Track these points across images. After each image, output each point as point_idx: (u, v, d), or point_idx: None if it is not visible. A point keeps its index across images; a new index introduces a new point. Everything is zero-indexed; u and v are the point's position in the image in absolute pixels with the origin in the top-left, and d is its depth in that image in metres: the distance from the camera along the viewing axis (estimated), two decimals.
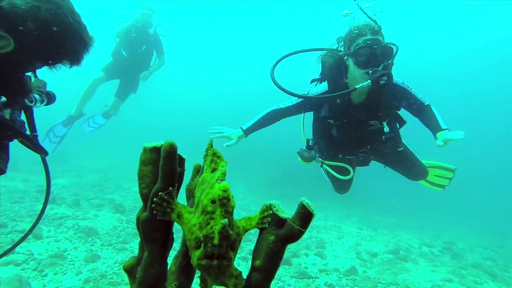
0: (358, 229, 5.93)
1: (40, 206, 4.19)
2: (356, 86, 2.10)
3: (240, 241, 0.54)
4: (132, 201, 5.45)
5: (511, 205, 12.23)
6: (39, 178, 5.88)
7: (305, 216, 0.58)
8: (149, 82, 5.58)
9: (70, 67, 1.11)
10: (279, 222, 0.59)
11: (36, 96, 1.22)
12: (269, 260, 0.58)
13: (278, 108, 2.49)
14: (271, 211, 0.60)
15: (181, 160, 0.67)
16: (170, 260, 0.67)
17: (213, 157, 0.66)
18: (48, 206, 4.63)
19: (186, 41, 22.09)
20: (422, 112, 2.36)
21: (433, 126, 2.26)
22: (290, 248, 4.11)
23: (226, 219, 0.48)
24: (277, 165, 9.89)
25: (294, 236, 0.59)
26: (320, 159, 2.63)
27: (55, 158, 8.27)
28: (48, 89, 1.33)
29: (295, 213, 0.59)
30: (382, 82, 2.05)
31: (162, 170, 0.57)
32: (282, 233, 0.58)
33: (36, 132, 1.26)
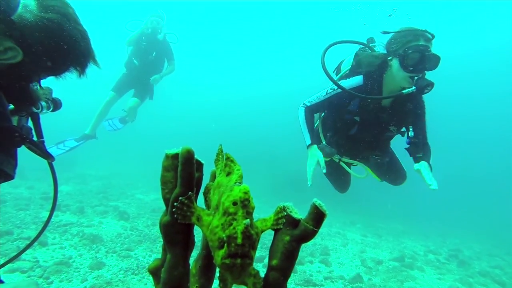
0: (363, 236, 5.88)
1: (45, 213, 4.22)
2: (404, 92, 2.12)
3: (258, 241, 0.56)
4: (136, 208, 5.46)
5: None
6: (44, 185, 5.91)
7: (317, 216, 0.61)
8: (156, 89, 5.66)
9: (78, 77, 1.13)
10: (293, 222, 0.62)
11: (43, 103, 1.25)
12: (286, 260, 0.61)
13: (309, 105, 2.48)
14: (285, 213, 0.62)
15: (200, 165, 0.69)
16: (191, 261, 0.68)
17: (227, 161, 0.68)
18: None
19: (196, 47, 22.39)
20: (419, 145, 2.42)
21: (421, 157, 2.34)
22: None
23: (247, 220, 0.50)
24: (280, 172, 9.89)
25: (308, 235, 0.61)
26: (338, 155, 2.61)
27: (60, 165, 8.30)
28: (54, 96, 1.35)
29: (308, 213, 0.62)
30: (426, 91, 2.09)
31: (181, 175, 0.60)
32: (296, 233, 0.61)
33: (43, 138, 1.26)
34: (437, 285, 3.78)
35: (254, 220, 0.61)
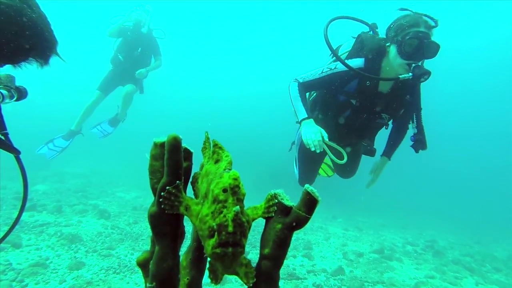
0: (344, 230, 6.03)
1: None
2: (400, 77, 2.07)
3: (249, 229, 0.55)
4: (117, 206, 5.33)
5: (486, 202, 12.80)
6: (16, 185, 5.64)
7: (310, 202, 0.60)
8: (144, 85, 5.56)
9: (39, 66, 1.05)
10: (285, 210, 0.61)
11: (3, 91, 1.15)
12: (278, 248, 0.60)
13: (301, 81, 2.34)
14: (276, 200, 0.61)
15: (189, 154, 0.66)
16: (182, 253, 0.66)
17: (215, 148, 0.66)
18: (27, 214, 4.49)
19: (186, 44, 22.00)
20: (401, 131, 2.48)
21: (390, 147, 2.45)
22: None
23: (237, 206, 0.48)
24: (263, 169, 9.94)
25: (300, 222, 0.60)
26: (326, 134, 2.45)
27: (35, 163, 7.98)
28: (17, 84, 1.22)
29: (300, 200, 0.60)
30: (422, 80, 2.06)
31: (167, 164, 0.57)
32: (288, 220, 0.60)
33: (6, 130, 1.18)
34: (415, 275, 3.94)
35: (245, 208, 0.59)
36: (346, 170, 2.90)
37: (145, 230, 4.10)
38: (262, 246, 0.61)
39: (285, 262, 3.88)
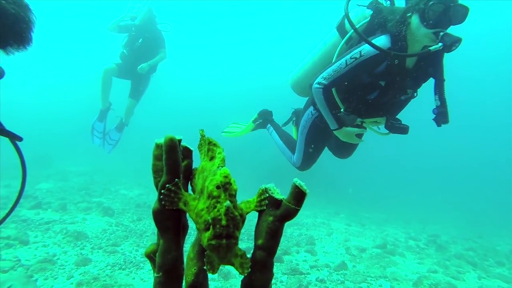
0: (347, 225, 6.06)
1: (24, 212, 4.08)
2: (431, 49, 1.89)
3: (243, 222, 0.58)
4: (120, 203, 5.37)
5: (488, 197, 12.79)
6: (19, 184, 5.68)
7: (298, 195, 0.63)
8: (151, 83, 5.63)
9: (19, 49, 1.01)
10: (276, 203, 0.64)
11: None
12: (270, 239, 0.64)
13: (326, 83, 2.18)
14: (267, 194, 0.64)
15: (189, 152, 0.70)
16: (187, 244, 0.69)
17: (209, 145, 0.69)
18: (33, 211, 4.52)
19: (189, 40, 21.98)
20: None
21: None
22: (281, 246, 4.16)
23: (228, 202, 0.52)
24: (264, 164, 9.96)
25: (290, 214, 0.63)
26: (359, 119, 2.37)
27: (38, 162, 8.04)
28: None
29: (290, 193, 0.64)
30: (454, 48, 1.88)
31: (166, 164, 0.61)
32: (279, 213, 0.63)
33: None
34: (417, 269, 3.97)
35: (239, 202, 0.63)
36: (346, 149, 2.81)
37: (149, 227, 4.14)
38: (256, 237, 0.65)
39: (288, 257, 3.92)
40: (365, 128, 2.44)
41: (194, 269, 0.64)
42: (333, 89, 2.34)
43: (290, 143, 2.99)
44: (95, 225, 3.99)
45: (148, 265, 2.78)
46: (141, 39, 5.26)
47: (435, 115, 2.23)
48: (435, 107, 2.22)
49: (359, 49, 2.10)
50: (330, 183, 9.97)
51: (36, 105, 17.56)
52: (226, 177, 0.54)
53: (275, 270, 3.41)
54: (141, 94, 5.50)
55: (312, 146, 2.72)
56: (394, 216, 7.80)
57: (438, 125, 2.25)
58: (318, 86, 2.22)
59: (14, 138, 1.17)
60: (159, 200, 0.61)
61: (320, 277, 3.31)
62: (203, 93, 21.24)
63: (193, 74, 24.09)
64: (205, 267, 0.59)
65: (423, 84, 2.32)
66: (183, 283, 0.66)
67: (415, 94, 2.35)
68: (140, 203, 5.45)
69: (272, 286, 2.91)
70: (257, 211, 0.65)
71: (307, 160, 2.79)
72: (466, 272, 4.08)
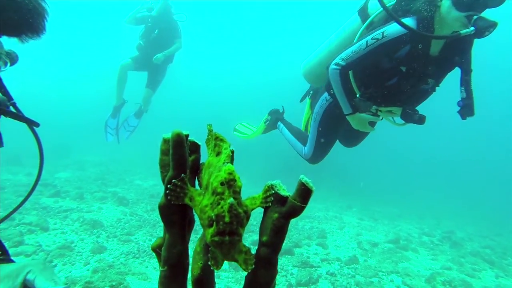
0: (359, 219, 6.00)
1: (44, 200, 4.25)
2: (461, 32, 1.75)
3: (248, 218, 0.59)
4: (135, 194, 5.51)
5: (508, 195, 12.35)
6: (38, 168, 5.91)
7: (304, 193, 0.62)
8: (168, 74, 5.72)
9: (33, 37, 1.01)
10: (281, 200, 0.64)
11: None
12: (275, 236, 0.64)
13: (344, 64, 2.07)
14: (273, 191, 0.64)
15: (197, 147, 0.70)
16: (194, 239, 0.70)
17: (216, 141, 0.69)
18: (52, 199, 4.66)
19: (204, 33, 22.06)
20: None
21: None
22: (292, 238, 4.17)
23: (231, 199, 0.53)
24: (277, 157, 9.95)
25: (296, 211, 0.63)
26: (374, 106, 2.26)
27: (57, 152, 8.30)
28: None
29: (296, 190, 0.63)
30: (487, 34, 1.74)
31: (172, 159, 0.61)
32: (284, 210, 0.63)
33: (13, 99, 1.15)
34: (430, 265, 3.90)
35: (245, 198, 0.63)
36: (356, 138, 2.75)
37: None
38: (260, 234, 0.65)
39: (299, 250, 3.93)
40: (379, 116, 2.34)
41: (201, 263, 0.65)
42: (350, 73, 2.23)
43: (301, 136, 2.94)
44: (111, 214, 4.11)
45: None
46: (157, 30, 5.32)
47: (460, 108, 2.09)
48: (460, 99, 2.09)
49: (381, 30, 1.99)
50: (342, 177, 9.87)
51: (56, 98, 18.11)
52: (230, 173, 0.55)
53: (285, 262, 3.44)
54: (158, 84, 5.58)
55: (325, 134, 2.62)
56: (407, 211, 7.67)
57: (463, 118, 2.12)
58: (335, 67, 2.12)
59: (31, 123, 1.19)
60: (165, 195, 0.62)
61: (330, 270, 3.31)
62: (217, 86, 21.30)
63: (209, 67, 24.17)
64: (209, 263, 0.59)
65: (445, 78, 2.21)
66: (189, 277, 0.67)
67: (436, 86, 2.23)
68: (154, 194, 5.57)
69: (283, 278, 2.93)
70: (262, 207, 0.65)
71: (319, 151, 2.72)
72: (482, 270, 3.98)
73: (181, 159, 0.61)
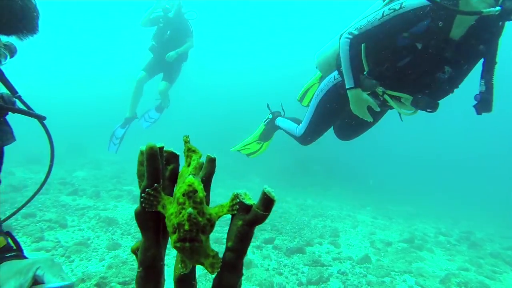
0: (373, 218, 5.91)
1: (63, 198, 4.41)
2: (484, 11, 1.63)
3: (212, 225, 0.64)
4: None
5: None
6: (60, 171, 6.14)
7: (267, 202, 0.66)
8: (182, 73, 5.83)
9: (28, 35, 1.05)
10: (246, 208, 0.69)
11: None
12: (239, 242, 0.68)
13: (357, 33, 1.93)
14: (238, 199, 0.69)
15: (175, 157, 0.77)
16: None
17: (188, 152, 0.76)
18: (70, 197, 4.81)
19: (211, 34, 22.31)
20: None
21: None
22: (304, 237, 4.15)
23: (191, 209, 0.58)
24: (290, 155, 9.91)
25: (258, 219, 0.67)
26: (381, 88, 2.11)
27: (74, 151, 8.57)
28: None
29: (259, 199, 0.67)
30: None
31: (146, 170, 0.67)
32: (248, 217, 0.68)
33: (18, 93, 1.15)
34: (446, 266, 3.80)
35: (214, 205, 0.70)
36: (354, 130, 2.60)
37: None
38: (227, 240, 0.70)
39: (311, 249, 3.91)
40: (383, 101, 2.18)
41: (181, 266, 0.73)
42: (362, 47, 2.10)
43: (296, 120, 2.86)
44: (125, 212, 4.22)
45: (172, 252, 2.91)
46: (169, 31, 5.40)
47: (476, 102, 1.94)
48: (478, 92, 1.95)
49: (400, 2, 1.86)
50: (357, 176, 9.73)
51: (73, 98, 18.69)
52: (190, 185, 0.60)
53: (297, 261, 3.43)
54: (174, 79, 5.68)
55: (322, 114, 2.49)
56: (424, 210, 7.48)
57: (478, 113, 1.99)
58: (347, 36, 2.01)
59: (38, 118, 1.22)
60: (140, 202, 0.69)
61: (342, 269, 3.28)
62: (233, 83, 21.36)
63: (225, 65, 24.32)
64: (179, 266, 0.66)
65: (467, 75, 2.03)
66: (167, 277, 0.75)
67: (455, 87, 2.06)
68: None
69: (294, 276, 2.92)
70: (230, 214, 0.70)
71: (312, 130, 2.59)
72: (503, 272, 3.83)
73: (154, 170, 0.67)
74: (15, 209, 1.42)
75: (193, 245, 0.58)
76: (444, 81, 2.02)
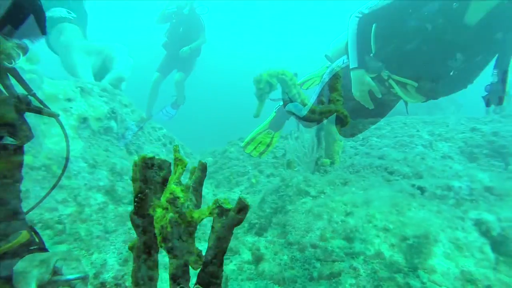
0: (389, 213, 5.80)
1: (82, 192, 4.60)
2: None
3: (195, 227, 0.76)
4: None
5: None
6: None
7: (242, 207, 0.77)
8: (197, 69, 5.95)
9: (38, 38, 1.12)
10: (224, 212, 0.80)
11: (11, 52, 1.09)
12: (218, 242, 0.80)
13: (367, 12, 1.79)
14: (218, 204, 0.79)
15: (166, 164, 0.88)
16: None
17: (176, 161, 0.86)
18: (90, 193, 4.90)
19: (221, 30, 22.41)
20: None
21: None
22: (316, 231, 4.15)
23: (171, 214, 0.69)
24: None
25: (234, 223, 0.78)
26: (386, 71, 2.03)
27: None
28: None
29: (235, 204, 0.78)
30: None
31: (139, 178, 0.81)
32: (225, 221, 0.79)
33: (32, 90, 1.18)
34: (463, 263, 3.69)
35: (200, 208, 0.79)
36: (352, 125, 2.60)
37: None
38: (208, 240, 0.82)
39: (322, 243, 3.90)
40: (388, 87, 2.12)
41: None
42: (373, 28, 1.96)
43: (303, 103, 2.83)
44: None
45: None
46: (181, 28, 5.51)
47: (486, 93, 1.90)
48: (489, 83, 1.89)
49: None
50: (375, 172, 9.54)
51: None
52: (171, 193, 0.71)
53: (308, 255, 3.44)
54: (188, 72, 5.84)
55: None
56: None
57: (488, 105, 1.96)
58: (357, 14, 1.89)
59: (52, 116, 1.29)
60: (134, 206, 0.81)
61: (353, 264, 3.27)
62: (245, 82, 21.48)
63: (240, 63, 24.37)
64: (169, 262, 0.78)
65: (482, 69, 1.91)
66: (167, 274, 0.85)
67: (469, 82, 1.97)
68: None
69: (305, 271, 2.93)
70: (212, 217, 0.80)
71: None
72: None
73: (145, 179, 0.79)
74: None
75: (174, 245, 0.69)
76: (455, 70, 1.93)
